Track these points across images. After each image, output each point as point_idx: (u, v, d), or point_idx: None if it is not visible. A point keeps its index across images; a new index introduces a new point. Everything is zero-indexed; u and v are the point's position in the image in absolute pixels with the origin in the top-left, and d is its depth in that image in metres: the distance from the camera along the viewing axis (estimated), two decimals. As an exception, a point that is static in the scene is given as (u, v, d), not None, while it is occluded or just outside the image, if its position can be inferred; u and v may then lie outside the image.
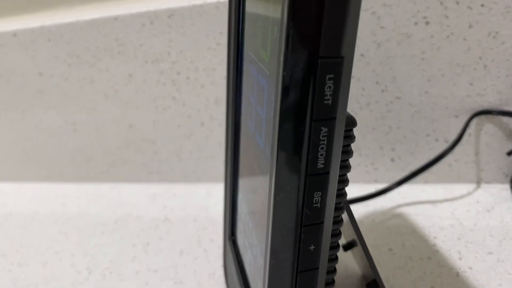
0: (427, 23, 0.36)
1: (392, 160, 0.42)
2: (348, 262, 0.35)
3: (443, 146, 0.40)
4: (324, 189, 0.18)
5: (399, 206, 0.40)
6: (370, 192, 0.40)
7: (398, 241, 0.36)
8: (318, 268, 0.19)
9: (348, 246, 0.31)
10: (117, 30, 0.43)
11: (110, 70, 0.45)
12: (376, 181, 0.44)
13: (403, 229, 0.38)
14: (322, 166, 0.17)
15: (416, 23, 0.37)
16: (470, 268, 0.33)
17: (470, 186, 0.42)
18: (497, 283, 0.31)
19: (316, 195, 0.18)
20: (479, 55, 0.37)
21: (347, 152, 0.20)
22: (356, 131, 0.41)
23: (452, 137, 0.40)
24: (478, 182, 0.42)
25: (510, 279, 0.32)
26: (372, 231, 0.38)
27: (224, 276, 0.35)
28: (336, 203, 0.20)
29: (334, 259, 0.22)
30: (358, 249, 0.30)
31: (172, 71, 0.44)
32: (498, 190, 0.41)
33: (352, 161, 0.43)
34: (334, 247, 0.22)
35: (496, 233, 0.36)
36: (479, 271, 0.33)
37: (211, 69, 0.42)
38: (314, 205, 0.18)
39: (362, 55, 0.38)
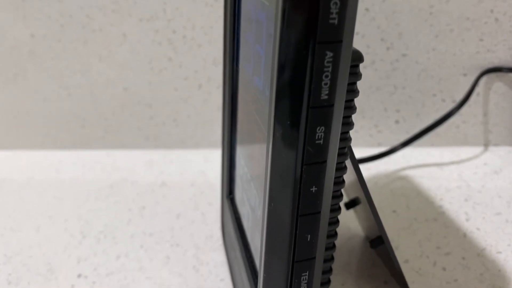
0: (436, -26, 0.35)
1: (397, 122, 0.41)
2: (350, 225, 0.34)
3: (450, 107, 0.39)
4: (327, 124, 0.16)
5: (403, 169, 0.39)
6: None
7: (402, 203, 0.35)
8: (320, 212, 0.18)
9: (350, 204, 0.30)
10: (110, -13, 0.41)
11: (104, 30, 0.43)
12: (379, 144, 0.42)
13: (407, 191, 0.36)
14: (326, 97, 0.16)
15: (424, -25, 0.35)
16: (478, 229, 0.32)
17: (478, 149, 0.40)
18: (506, 243, 0.30)
19: (319, 130, 0.16)
20: (490, 8, 0.35)
21: (352, 91, 0.19)
22: (359, 91, 0.40)
23: (460, 97, 0.38)
24: (486, 145, 0.40)
25: (520, 239, 0.30)
26: (375, 193, 0.37)
27: (222, 238, 0.34)
28: (339, 148, 0.19)
29: (337, 209, 0.21)
30: (361, 207, 0.29)
31: (167, 30, 0.42)
32: (506, 152, 0.39)
33: (354, 123, 0.42)
34: (337, 196, 0.20)
35: (504, 194, 0.34)
36: (487, 231, 0.31)
37: (208, 27, 0.41)
38: (317, 142, 0.16)
39: (367, 9, 0.36)
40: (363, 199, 0.27)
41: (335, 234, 0.21)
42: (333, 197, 0.20)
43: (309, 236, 0.18)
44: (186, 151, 0.48)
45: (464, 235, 0.31)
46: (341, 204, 0.24)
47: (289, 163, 0.17)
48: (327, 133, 0.16)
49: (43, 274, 0.33)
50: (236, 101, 0.28)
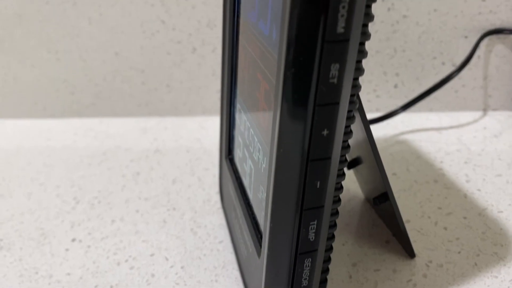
0: None
1: (396, 86, 0.40)
2: (350, 186, 0.33)
3: (450, 70, 0.38)
4: (342, 61, 0.15)
5: (402, 133, 0.39)
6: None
7: (402, 166, 0.35)
8: (330, 158, 0.17)
9: (352, 164, 0.29)
10: None
11: (94, -9, 0.42)
12: (377, 110, 0.42)
13: (407, 154, 0.36)
14: (342, 30, 0.15)
15: None
16: (479, 190, 0.32)
17: (477, 114, 0.40)
18: (507, 203, 0.30)
19: (333, 67, 0.15)
20: (494, -34, 0.34)
21: (364, 34, 0.18)
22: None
23: (460, 60, 0.38)
24: (485, 109, 0.40)
25: (521, 199, 0.30)
26: (374, 157, 0.36)
27: (220, 201, 0.33)
28: (350, 95, 0.18)
29: (344, 161, 0.20)
30: (363, 166, 0.28)
31: (161, -9, 0.40)
32: (505, 117, 0.39)
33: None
34: (345, 147, 0.20)
35: (505, 156, 0.34)
36: (488, 192, 0.31)
37: (203, -13, 0.39)
38: (331, 80, 0.16)
39: (367, -32, 0.35)
40: (367, 156, 0.26)
41: (341, 188, 0.21)
42: (342, 147, 0.19)
43: (318, 182, 0.17)
44: (180, 118, 0.47)
45: (465, 195, 0.31)
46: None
47: (301, 104, 0.16)
48: (342, 71, 0.16)
49: (35, 239, 0.32)
50: (236, 56, 0.27)
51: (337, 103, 0.16)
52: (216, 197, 0.34)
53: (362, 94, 0.41)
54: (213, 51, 0.42)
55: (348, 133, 0.19)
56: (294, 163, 0.17)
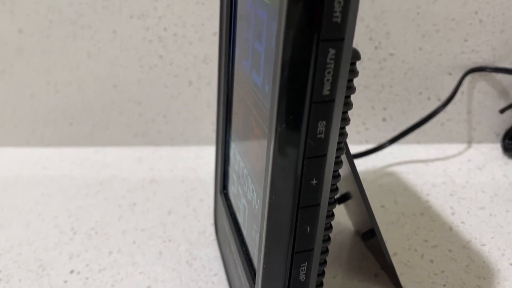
0: (423, -24, 0.36)
1: (384, 119, 0.42)
2: (340, 219, 0.35)
3: (436, 105, 0.40)
4: (328, 119, 0.17)
5: (391, 165, 0.40)
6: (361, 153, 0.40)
7: (390, 198, 0.36)
8: (319, 204, 0.19)
9: (341, 199, 0.31)
10: (101, -17, 0.41)
11: (93, 26, 0.43)
12: (367, 141, 0.43)
13: (395, 187, 0.37)
14: (327, 93, 0.16)
15: (411, -24, 0.36)
16: (463, 222, 0.33)
17: (462, 146, 0.42)
18: (490, 236, 0.31)
19: (320, 124, 0.17)
20: (475, 10, 0.36)
21: (350, 88, 0.19)
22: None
23: (445, 95, 0.39)
24: (469, 142, 0.42)
25: (503, 232, 0.32)
26: (364, 189, 0.37)
27: (215, 233, 0.34)
28: (337, 142, 0.19)
29: (333, 202, 0.21)
30: (352, 201, 0.30)
31: (158, 27, 0.42)
32: (489, 149, 0.41)
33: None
34: (334, 190, 0.21)
35: (488, 189, 0.36)
36: (472, 225, 0.33)
37: (199, 25, 0.41)
38: (318, 136, 0.17)
39: (356, 9, 0.37)
40: (355, 193, 0.28)
41: (330, 227, 0.22)
42: (330, 190, 0.20)
43: (308, 227, 0.19)
44: (175, 148, 0.48)
45: (450, 228, 0.32)
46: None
47: (291, 156, 0.17)
48: (328, 127, 0.17)
49: (34, 270, 0.33)
50: (231, 98, 0.28)
51: (325, 155, 0.18)
52: (211, 229, 0.35)
53: (351, 126, 0.42)
54: (208, 84, 0.44)
55: (336, 177, 0.21)
56: (285, 210, 0.18)
